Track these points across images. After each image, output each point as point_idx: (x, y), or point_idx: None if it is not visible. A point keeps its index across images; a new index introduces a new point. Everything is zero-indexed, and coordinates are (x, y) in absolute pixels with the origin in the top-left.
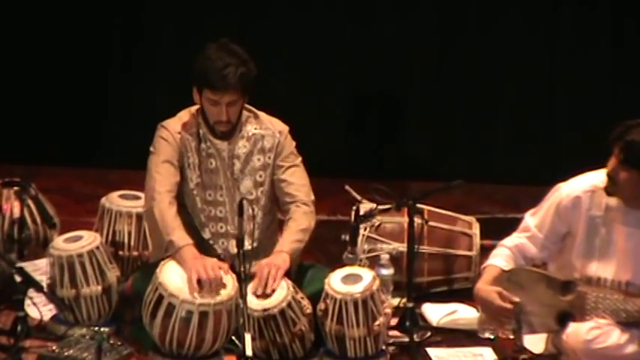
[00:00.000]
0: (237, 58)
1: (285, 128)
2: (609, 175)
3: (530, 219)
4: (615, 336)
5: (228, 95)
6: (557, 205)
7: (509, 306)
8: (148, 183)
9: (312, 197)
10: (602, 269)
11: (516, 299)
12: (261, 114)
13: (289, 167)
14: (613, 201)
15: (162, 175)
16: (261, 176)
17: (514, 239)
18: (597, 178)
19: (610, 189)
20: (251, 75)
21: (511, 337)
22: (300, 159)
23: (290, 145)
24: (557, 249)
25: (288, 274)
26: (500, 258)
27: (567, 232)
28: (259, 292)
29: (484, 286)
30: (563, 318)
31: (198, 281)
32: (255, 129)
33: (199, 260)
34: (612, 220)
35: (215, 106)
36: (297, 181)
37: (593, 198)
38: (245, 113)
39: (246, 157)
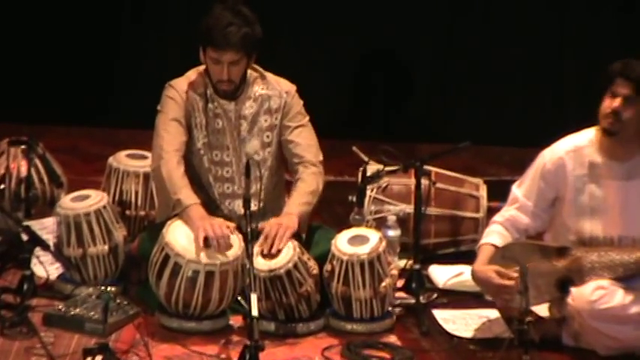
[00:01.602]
0: (242, 19)
1: (292, 88)
2: (615, 112)
3: (517, 190)
4: (620, 296)
5: (229, 54)
6: (542, 170)
7: (509, 283)
8: (155, 142)
9: (320, 157)
10: (596, 227)
11: (514, 274)
12: (268, 74)
13: (296, 127)
14: (596, 157)
15: (170, 134)
16: (268, 137)
17: (504, 213)
18: (578, 138)
19: (614, 127)
20: (254, 37)
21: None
22: (307, 118)
23: (297, 104)
24: (548, 216)
25: (298, 236)
26: (494, 235)
27: (556, 197)
28: (265, 251)
29: (480, 267)
30: (564, 284)
31: (205, 240)
32: (262, 89)
33: (207, 219)
34: (599, 176)
35: (217, 64)
36: (304, 141)
37: (576, 158)
38: (252, 74)
39: (253, 118)
